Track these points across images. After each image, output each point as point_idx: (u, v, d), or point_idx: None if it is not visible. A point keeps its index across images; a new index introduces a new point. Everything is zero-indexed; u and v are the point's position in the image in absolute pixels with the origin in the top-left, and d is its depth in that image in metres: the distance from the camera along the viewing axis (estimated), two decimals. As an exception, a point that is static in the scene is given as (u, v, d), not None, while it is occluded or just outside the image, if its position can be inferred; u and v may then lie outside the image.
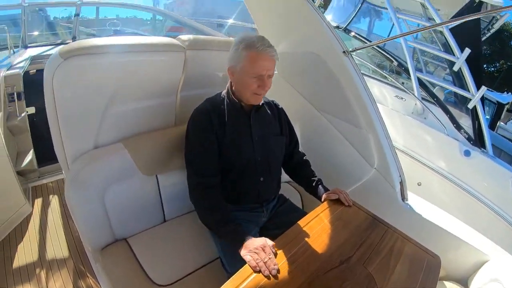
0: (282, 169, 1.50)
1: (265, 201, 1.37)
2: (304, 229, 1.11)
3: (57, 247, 1.95)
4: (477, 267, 1.41)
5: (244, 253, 0.97)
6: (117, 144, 1.33)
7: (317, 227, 1.13)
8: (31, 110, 2.74)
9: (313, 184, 1.38)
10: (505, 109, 5.81)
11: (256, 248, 0.95)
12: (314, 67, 1.74)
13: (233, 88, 1.27)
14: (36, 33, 4.34)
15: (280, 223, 1.34)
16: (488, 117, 5.42)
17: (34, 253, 1.89)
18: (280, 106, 1.46)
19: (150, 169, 1.34)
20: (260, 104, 1.32)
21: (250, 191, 1.31)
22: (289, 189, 1.71)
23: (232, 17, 4.64)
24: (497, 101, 5.37)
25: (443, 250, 1.35)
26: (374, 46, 3.72)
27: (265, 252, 0.93)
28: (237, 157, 1.26)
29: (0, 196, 2.05)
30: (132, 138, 1.39)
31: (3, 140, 2.05)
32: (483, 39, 3.94)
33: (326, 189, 1.35)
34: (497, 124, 5.84)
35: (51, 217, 2.25)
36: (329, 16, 4.72)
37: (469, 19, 1.41)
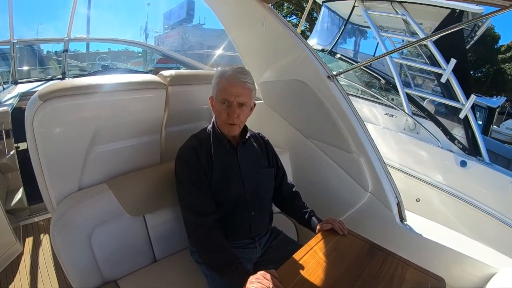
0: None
1: (257, 235, 1.33)
2: (298, 263, 1.06)
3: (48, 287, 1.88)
4: (485, 281, 1.35)
5: (247, 286, 0.94)
6: (102, 185, 1.30)
7: (312, 260, 1.08)
8: (23, 145, 2.71)
9: (306, 216, 1.34)
10: (496, 112, 5.87)
11: (257, 278, 0.94)
12: (300, 94, 1.74)
13: (218, 121, 1.26)
14: (27, 67, 4.41)
15: (274, 258, 1.29)
16: (480, 122, 5.46)
17: (25, 293, 1.81)
18: (266, 138, 1.45)
19: (136, 210, 1.30)
20: (247, 137, 1.30)
21: (241, 226, 1.27)
22: (283, 220, 1.66)
23: (220, 47, 4.73)
24: (487, 106, 5.43)
25: (448, 268, 1.33)
26: (361, 66, 3.77)
27: (266, 279, 0.92)
28: (226, 192, 1.23)
29: (-10, 235, 2.00)
30: (117, 178, 1.36)
31: None
32: (467, 47, 3.98)
33: (319, 220, 1.31)
34: (490, 128, 5.88)
35: (42, 256, 2.19)
36: (314, 40, 4.82)
37: (451, 31, 1.41)
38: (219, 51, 4.64)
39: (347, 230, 1.25)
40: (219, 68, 1.24)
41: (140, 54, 9.35)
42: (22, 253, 2.19)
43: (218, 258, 1.10)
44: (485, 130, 5.19)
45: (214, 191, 1.21)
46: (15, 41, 3.70)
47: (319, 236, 1.22)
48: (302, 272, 1.03)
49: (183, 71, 1.50)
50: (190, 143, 1.26)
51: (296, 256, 1.10)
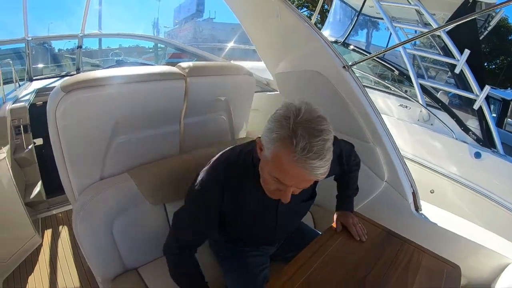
0: None
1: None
2: (317, 250, 1.09)
3: (68, 278, 1.93)
4: (499, 271, 1.35)
5: None
6: (123, 174, 1.32)
7: (330, 247, 1.10)
8: (39, 141, 2.77)
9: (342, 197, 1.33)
10: (511, 105, 5.74)
11: None
12: (315, 84, 1.73)
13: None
14: (41, 65, 4.48)
15: (291, 246, 1.29)
16: (494, 115, 5.34)
17: (45, 285, 1.87)
18: None
19: (157, 198, 1.32)
20: None
21: (262, 240, 1.22)
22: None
23: (232, 40, 4.72)
24: (502, 98, 5.31)
25: (463, 257, 1.30)
26: (374, 57, 3.71)
27: None
28: (253, 226, 1.10)
29: (10, 228, 2.04)
30: (138, 168, 1.38)
31: (11, 172, 2.05)
32: (481, 38, 3.89)
33: (342, 207, 1.31)
34: (505, 121, 5.75)
35: (61, 248, 2.24)
36: (326, 32, 4.77)
37: (465, 20, 1.39)
38: (230, 44, 4.64)
39: (364, 217, 1.27)
40: (279, 110, 0.80)
41: (151, 50, 9.28)
42: (41, 245, 2.24)
43: (181, 280, 1.06)
44: (499, 123, 5.08)
45: (238, 226, 1.10)
46: (30, 38, 3.74)
47: (337, 223, 1.24)
48: (321, 258, 1.05)
49: (200, 62, 1.51)
50: (217, 173, 0.97)
51: (315, 243, 1.13)
